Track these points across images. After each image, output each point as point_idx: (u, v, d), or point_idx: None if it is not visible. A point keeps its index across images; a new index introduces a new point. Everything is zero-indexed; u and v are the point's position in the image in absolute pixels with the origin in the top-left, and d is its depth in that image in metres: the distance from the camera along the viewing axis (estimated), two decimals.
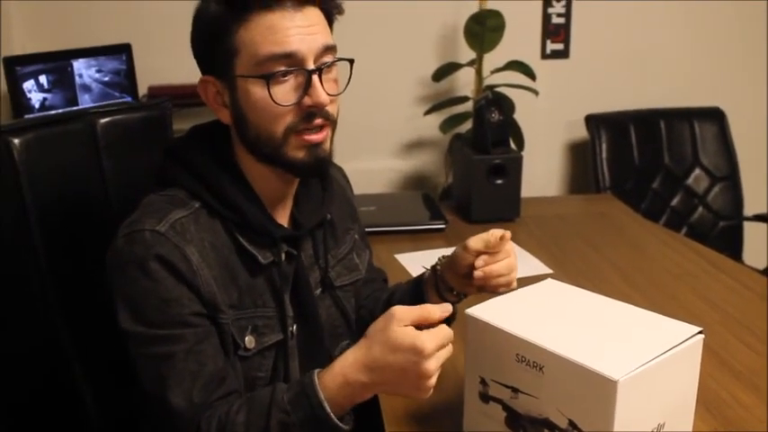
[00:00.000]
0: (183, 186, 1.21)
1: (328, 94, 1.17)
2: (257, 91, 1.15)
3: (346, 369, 1.08)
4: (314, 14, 1.17)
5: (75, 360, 1.37)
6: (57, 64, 2.63)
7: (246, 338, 1.22)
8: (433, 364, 1.04)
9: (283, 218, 1.31)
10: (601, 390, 0.98)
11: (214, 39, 1.16)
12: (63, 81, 2.64)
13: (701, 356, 1.11)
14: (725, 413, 1.34)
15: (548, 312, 1.18)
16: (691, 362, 1.10)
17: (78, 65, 2.67)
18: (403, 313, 1.06)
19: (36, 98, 2.59)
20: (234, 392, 1.17)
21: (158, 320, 1.13)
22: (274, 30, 1.13)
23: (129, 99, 2.77)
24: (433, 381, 1.06)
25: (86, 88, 2.70)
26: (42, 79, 2.60)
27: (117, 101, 2.74)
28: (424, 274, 1.47)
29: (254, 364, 1.24)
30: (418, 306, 1.08)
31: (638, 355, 1.02)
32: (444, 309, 1.08)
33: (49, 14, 2.83)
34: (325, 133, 1.20)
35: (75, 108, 2.61)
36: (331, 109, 1.20)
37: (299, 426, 1.07)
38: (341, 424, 1.08)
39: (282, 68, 1.14)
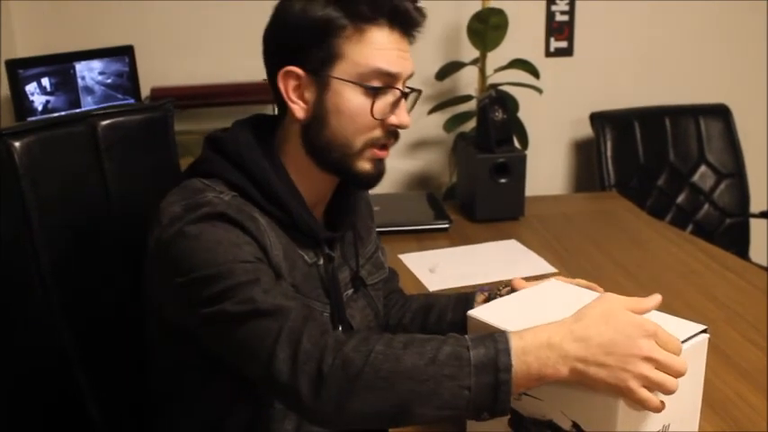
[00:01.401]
0: (226, 180, 1.19)
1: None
2: (354, 98, 1.18)
3: (551, 330, 0.98)
4: (408, 42, 1.23)
5: (77, 362, 1.36)
6: (59, 66, 2.63)
7: None
8: (649, 347, 0.95)
9: (319, 219, 1.32)
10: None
11: (319, 36, 1.17)
12: (66, 83, 2.64)
13: (706, 355, 1.10)
14: (731, 413, 1.33)
15: (550, 313, 1.17)
16: (696, 361, 1.09)
17: (81, 67, 2.67)
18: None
19: (39, 101, 2.59)
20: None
21: (233, 257, 1.07)
22: (385, 46, 1.18)
23: (131, 101, 2.76)
24: (646, 370, 0.95)
25: (89, 90, 2.70)
26: (45, 82, 2.60)
27: (118, 103, 2.73)
28: (474, 293, 1.44)
29: None
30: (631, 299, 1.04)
31: None
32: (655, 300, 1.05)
33: (51, 17, 2.83)
34: (389, 152, 1.25)
35: (76, 110, 2.61)
36: None
37: (471, 363, 0.96)
38: (510, 391, 0.96)
39: (380, 84, 1.18)
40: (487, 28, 2.82)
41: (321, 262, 1.26)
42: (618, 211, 2.54)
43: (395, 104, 1.20)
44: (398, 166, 3.16)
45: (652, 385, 0.96)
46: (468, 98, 2.97)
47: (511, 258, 2.10)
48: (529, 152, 2.59)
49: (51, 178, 1.34)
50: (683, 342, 1.03)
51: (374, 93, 1.17)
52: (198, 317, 1.08)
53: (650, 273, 1.97)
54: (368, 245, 1.43)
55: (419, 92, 1.27)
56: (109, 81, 2.74)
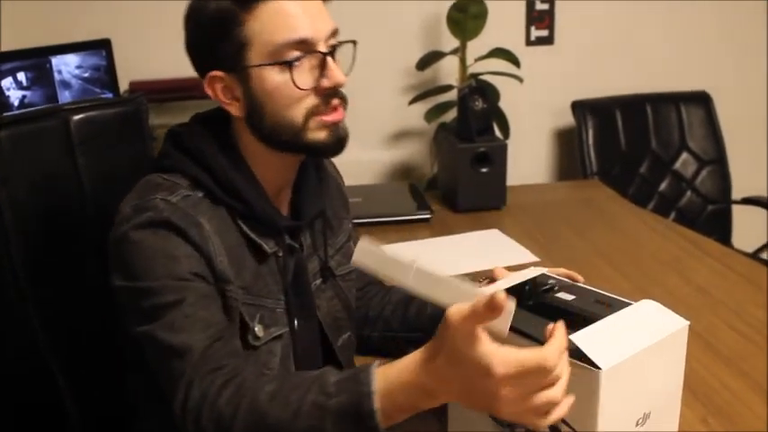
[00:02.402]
0: (185, 175, 1.19)
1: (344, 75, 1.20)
2: (275, 78, 1.16)
3: (412, 369, 0.92)
4: None
5: (52, 357, 1.35)
6: (35, 61, 2.59)
7: (256, 327, 1.21)
8: (498, 384, 0.85)
9: (284, 208, 1.31)
10: (584, 380, 0.96)
11: (220, 34, 1.15)
12: (42, 78, 2.61)
13: (686, 343, 1.10)
14: (713, 399, 1.33)
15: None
16: (676, 349, 1.09)
17: (57, 61, 2.63)
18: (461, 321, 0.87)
19: (15, 96, 2.55)
20: (240, 357, 1.11)
21: (166, 273, 1.10)
22: (285, 16, 1.14)
23: (109, 95, 2.73)
24: (509, 411, 0.87)
25: (66, 85, 2.67)
26: (21, 76, 2.56)
27: (91, 97, 2.70)
28: None
29: (262, 357, 1.22)
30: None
31: (622, 345, 1.00)
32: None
33: (26, 10, 2.79)
34: (342, 112, 1.22)
35: (48, 105, 2.58)
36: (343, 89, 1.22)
37: (333, 413, 0.93)
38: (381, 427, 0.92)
39: (297, 54, 1.15)
40: (467, 17, 2.81)
41: (281, 253, 1.25)
42: (600, 199, 2.54)
43: (322, 67, 1.18)
44: (380, 157, 3.14)
45: (539, 410, 0.88)
46: (448, 88, 2.96)
47: (493, 248, 2.09)
48: (510, 141, 2.59)
49: (23, 174, 1.32)
50: (663, 333, 1.03)
51: (289, 66, 1.15)
52: (135, 329, 1.11)
53: (633, 260, 1.97)
54: (339, 235, 1.42)
55: (353, 42, 1.25)
56: (86, 75, 2.71)
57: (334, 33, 1.20)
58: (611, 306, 1.11)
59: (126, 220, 1.13)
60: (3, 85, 2.52)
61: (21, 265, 1.29)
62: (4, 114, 2.45)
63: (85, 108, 1.43)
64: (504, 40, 2.95)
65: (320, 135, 1.20)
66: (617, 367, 0.97)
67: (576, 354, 0.97)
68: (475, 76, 2.87)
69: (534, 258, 1.98)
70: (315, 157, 1.30)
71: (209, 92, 1.20)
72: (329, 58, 1.18)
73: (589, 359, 0.96)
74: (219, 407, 0.99)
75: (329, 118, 1.20)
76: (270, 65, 1.15)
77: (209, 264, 1.13)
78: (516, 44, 3.06)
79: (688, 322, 1.08)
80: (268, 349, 1.23)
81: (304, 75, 1.16)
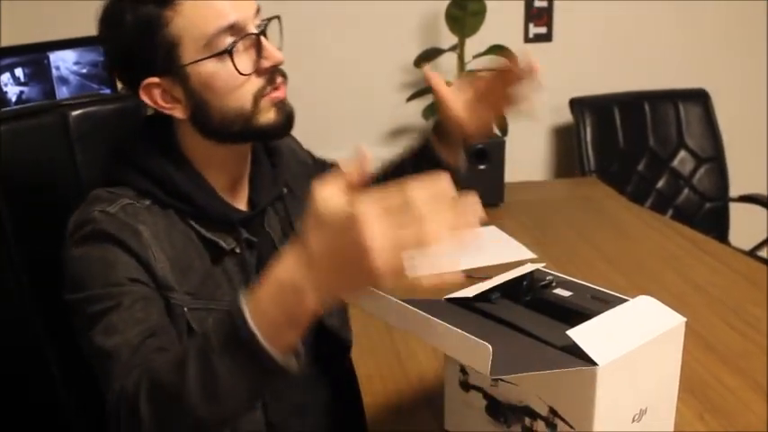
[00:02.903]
0: (131, 186, 1.18)
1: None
2: (215, 69, 1.13)
3: (277, 273, 0.87)
4: None
5: (52, 357, 1.35)
6: (33, 56, 2.59)
7: None
8: (371, 233, 0.77)
9: (241, 203, 1.30)
10: (581, 376, 0.97)
11: (147, 40, 1.12)
12: (40, 74, 2.61)
13: (683, 340, 1.10)
14: (709, 396, 1.33)
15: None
16: (673, 346, 1.09)
17: (55, 57, 2.63)
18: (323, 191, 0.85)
19: (12, 91, 2.55)
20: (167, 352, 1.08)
21: (103, 281, 1.09)
22: (209, 5, 1.12)
23: (107, 91, 2.73)
24: (383, 258, 0.78)
25: (64, 81, 2.66)
26: (18, 72, 2.56)
27: (94, 92, 2.70)
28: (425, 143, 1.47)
29: None
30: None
31: (619, 341, 1.00)
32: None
33: (24, 6, 2.79)
34: (284, 89, 1.20)
35: (47, 101, 2.57)
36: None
37: (218, 351, 0.88)
38: (268, 347, 0.86)
39: (231, 39, 1.13)
40: (466, 14, 2.81)
41: (239, 250, 1.24)
42: (598, 196, 2.54)
43: (258, 48, 1.16)
44: (377, 154, 3.11)
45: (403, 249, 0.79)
46: (447, 85, 2.95)
47: (491, 245, 2.09)
48: (508, 138, 2.59)
49: (23, 168, 1.33)
50: (659, 329, 1.03)
51: (229, 53, 1.12)
52: (78, 338, 1.11)
53: (630, 258, 1.97)
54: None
55: (277, 18, 1.22)
56: (84, 71, 2.71)
57: (258, 12, 1.18)
58: (608, 302, 1.12)
59: (69, 236, 1.14)
60: (1, 80, 2.52)
61: (18, 260, 1.30)
62: (3, 110, 2.45)
63: (85, 104, 1.42)
64: (502, 37, 2.95)
65: (270, 115, 1.18)
66: (614, 363, 0.97)
67: (572, 350, 0.97)
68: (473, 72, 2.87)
69: (531, 255, 1.98)
70: (267, 140, 1.28)
71: (145, 100, 1.17)
72: (262, 38, 1.16)
73: (586, 355, 0.96)
74: (128, 392, 0.96)
75: (275, 94, 1.18)
76: (207, 58, 1.13)
77: (149, 270, 1.12)
78: (515, 41, 3.06)
79: (685, 319, 1.08)
80: None
81: (242, 59, 1.14)
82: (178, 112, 1.18)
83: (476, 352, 0.84)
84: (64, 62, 2.65)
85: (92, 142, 1.41)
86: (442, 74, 3.06)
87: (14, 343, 1.36)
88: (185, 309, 1.15)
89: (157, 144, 1.21)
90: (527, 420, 1.06)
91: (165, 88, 1.16)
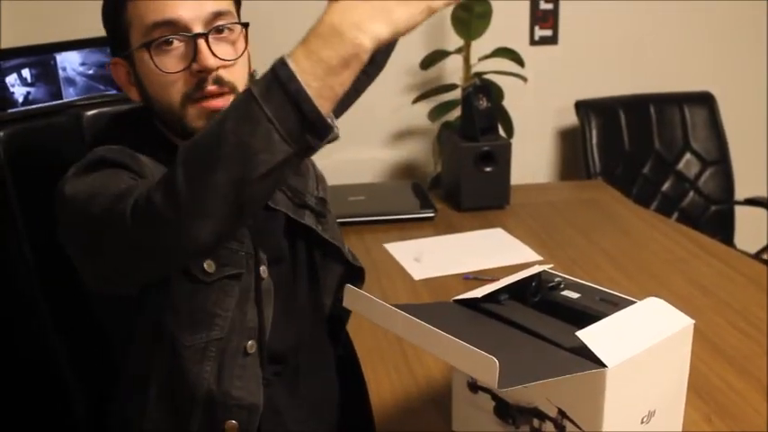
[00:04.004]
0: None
1: (221, 59, 1.14)
2: (147, 61, 1.14)
3: (324, 17, 0.91)
4: None
5: (63, 354, 1.35)
6: (39, 57, 2.59)
7: (206, 262, 1.16)
8: None
9: None
10: (590, 378, 0.97)
11: (113, 18, 1.17)
12: (46, 75, 2.61)
13: (691, 343, 1.10)
14: (718, 399, 1.33)
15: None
16: (681, 348, 1.09)
17: (62, 58, 2.64)
18: None
19: (19, 92, 2.55)
20: None
21: (103, 181, 1.07)
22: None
23: (114, 92, 2.73)
24: None
25: (71, 82, 2.67)
26: (25, 73, 2.56)
27: (102, 93, 2.71)
28: None
29: (213, 296, 1.18)
30: None
31: (628, 342, 1.00)
32: None
33: (30, 7, 2.80)
34: (226, 100, 1.14)
35: (60, 101, 2.58)
36: (227, 74, 1.15)
37: (257, 93, 0.88)
38: (310, 93, 0.87)
39: (166, 35, 1.12)
40: (472, 16, 2.81)
41: None
42: (603, 199, 2.54)
43: (194, 51, 1.12)
44: (383, 155, 3.15)
45: None
46: (452, 87, 2.96)
47: (496, 247, 2.10)
48: (514, 141, 2.59)
49: (35, 169, 1.33)
50: (668, 331, 1.03)
51: (148, 48, 1.12)
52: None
53: (636, 261, 1.97)
54: (308, 180, 1.41)
55: (243, 25, 1.19)
56: (91, 72, 2.71)
57: (220, 16, 1.15)
58: (617, 304, 1.12)
59: (69, 172, 1.13)
60: (7, 81, 2.52)
61: (31, 261, 1.30)
62: (15, 110, 2.46)
63: (98, 104, 1.44)
64: (508, 39, 2.95)
65: (199, 123, 1.14)
66: (623, 365, 0.97)
67: (581, 351, 0.97)
68: (479, 75, 2.87)
69: (537, 257, 1.98)
70: None
71: (114, 78, 1.22)
72: (201, 41, 1.12)
73: (595, 357, 0.96)
74: (162, 176, 0.96)
75: (208, 104, 1.14)
76: (138, 48, 1.14)
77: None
78: (520, 43, 3.06)
79: (693, 321, 1.08)
80: (221, 287, 1.19)
81: (173, 58, 1.13)
82: (133, 94, 1.22)
83: (483, 365, 0.84)
84: (70, 63, 2.66)
85: (105, 143, 1.41)
86: (447, 76, 3.07)
87: (28, 350, 1.37)
88: None
89: (139, 131, 1.23)
90: (535, 422, 1.06)
91: (127, 70, 1.20)
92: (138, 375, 1.23)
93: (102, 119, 1.42)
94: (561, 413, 1.02)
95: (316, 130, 0.89)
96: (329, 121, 0.90)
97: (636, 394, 1.02)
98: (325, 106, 0.89)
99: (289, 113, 0.87)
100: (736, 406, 1.32)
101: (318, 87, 0.88)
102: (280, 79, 0.87)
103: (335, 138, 0.93)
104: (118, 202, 1.00)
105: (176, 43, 1.13)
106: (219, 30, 1.15)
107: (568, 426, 1.02)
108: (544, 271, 1.24)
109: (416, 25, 0.91)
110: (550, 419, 1.04)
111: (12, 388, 1.43)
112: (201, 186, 0.91)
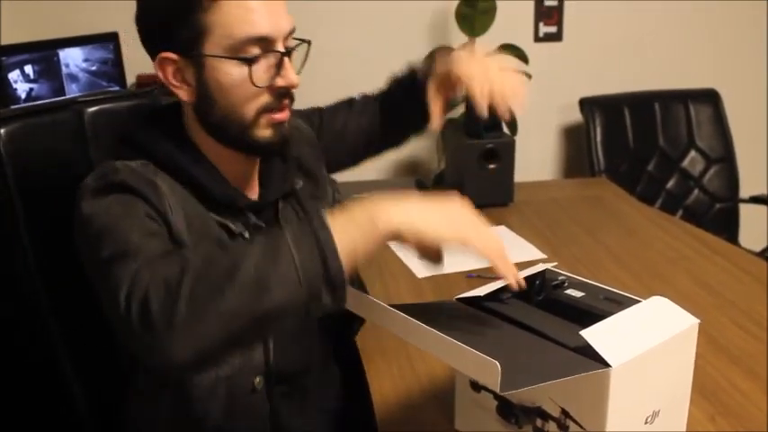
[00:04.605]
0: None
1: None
2: (232, 72, 1.14)
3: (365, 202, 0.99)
4: None
5: (65, 354, 1.35)
6: (43, 53, 2.60)
7: None
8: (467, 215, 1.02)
9: (253, 192, 1.31)
10: (594, 377, 0.96)
11: (180, 15, 1.12)
12: (49, 71, 2.61)
13: (696, 342, 1.09)
14: (722, 399, 1.32)
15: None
16: (686, 347, 1.08)
17: (65, 54, 2.64)
18: None
19: (22, 88, 2.55)
20: None
21: (129, 229, 1.05)
22: (248, 10, 1.12)
23: (117, 88, 2.73)
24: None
25: (73, 78, 2.67)
26: (28, 69, 2.56)
27: (105, 89, 2.70)
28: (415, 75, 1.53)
29: None
30: None
31: (632, 342, 0.99)
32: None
33: (34, 3, 2.79)
34: (288, 112, 1.21)
35: (62, 98, 2.58)
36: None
37: (290, 240, 0.92)
38: (339, 248, 0.92)
39: (257, 51, 1.13)
40: (476, 12, 2.80)
41: (247, 234, 1.23)
42: (607, 196, 2.53)
43: (278, 66, 1.16)
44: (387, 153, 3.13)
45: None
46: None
47: None
48: (518, 138, 2.57)
49: (37, 165, 1.33)
50: (672, 331, 1.02)
51: (249, 62, 1.13)
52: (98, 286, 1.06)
53: (640, 258, 1.96)
54: (326, 186, 1.43)
55: (307, 42, 1.23)
56: (94, 68, 2.71)
57: (292, 32, 1.19)
58: (621, 303, 1.11)
59: (85, 189, 1.12)
60: (10, 77, 2.52)
61: (33, 258, 1.29)
62: (18, 106, 2.46)
63: (100, 101, 1.43)
64: (512, 36, 2.94)
65: (266, 132, 1.19)
66: (627, 365, 0.96)
67: (585, 351, 0.97)
68: None
69: (541, 255, 1.97)
70: (256, 154, 1.27)
71: (158, 73, 1.17)
72: (286, 59, 1.17)
73: (599, 356, 0.95)
74: (163, 271, 0.93)
75: (278, 116, 1.19)
76: (228, 58, 1.13)
77: (166, 222, 1.11)
78: (525, 40, 3.05)
79: (698, 320, 1.07)
80: None
81: (260, 72, 1.15)
82: (183, 94, 1.18)
83: (485, 368, 0.83)
84: (73, 59, 2.66)
85: (107, 139, 1.41)
86: None
87: (29, 346, 1.36)
88: None
89: (168, 132, 1.22)
90: (538, 422, 1.05)
91: (179, 67, 1.16)
92: (148, 397, 1.24)
93: (105, 117, 1.42)
94: (564, 413, 1.01)
95: (332, 286, 0.92)
96: (346, 283, 0.93)
97: (640, 394, 1.01)
98: (348, 267, 0.93)
99: (315, 263, 0.91)
100: (741, 406, 1.31)
101: (348, 251, 0.93)
102: (316, 233, 0.92)
103: (341, 304, 0.95)
104: (121, 263, 0.98)
105: (262, 58, 1.14)
106: (295, 48, 1.20)
107: (572, 426, 1.01)
108: (548, 269, 1.23)
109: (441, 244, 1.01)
110: (554, 419, 1.03)
111: (14, 392, 1.42)
112: (204, 309, 0.90)
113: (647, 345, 1.00)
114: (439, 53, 1.50)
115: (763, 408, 1.30)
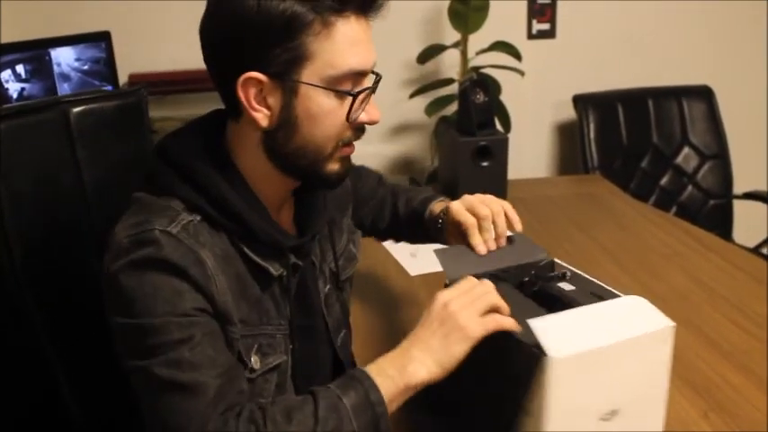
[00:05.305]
0: (180, 198, 1.09)
1: None
2: (327, 103, 1.07)
3: (402, 352, 1.07)
4: (370, 27, 1.12)
5: (54, 358, 1.33)
6: (34, 53, 2.58)
7: (252, 358, 1.13)
8: (455, 304, 1.06)
9: (287, 223, 1.23)
10: (539, 368, 0.97)
11: (283, 36, 1.03)
12: (41, 70, 2.60)
13: (672, 345, 1.05)
14: (715, 395, 1.33)
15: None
16: (658, 350, 1.05)
17: (56, 54, 2.62)
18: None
19: (13, 88, 2.54)
20: (246, 395, 1.08)
21: (169, 310, 1.02)
22: (357, 42, 1.07)
23: (109, 88, 2.72)
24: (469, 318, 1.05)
25: (65, 77, 2.66)
26: (20, 69, 2.55)
27: (90, 89, 2.69)
28: (423, 215, 1.51)
29: (257, 388, 1.15)
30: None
31: (587, 336, 0.99)
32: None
33: (25, 2, 2.78)
34: (353, 147, 1.17)
35: (48, 97, 2.57)
36: None
37: (350, 410, 1.02)
38: (388, 418, 1.04)
39: (350, 84, 1.08)
40: (469, 10, 2.79)
41: (286, 274, 1.18)
42: (601, 193, 2.53)
43: (364, 101, 1.11)
44: (380, 150, 3.13)
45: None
46: (449, 81, 2.95)
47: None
48: (511, 135, 2.58)
49: (23, 165, 1.31)
50: (638, 332, 1.02)
51: (353, 97, 1.07)
52: (128, 363, 1.05)
53: (634, 255, 1.97)
54: (342, 233, 1.37)
55: (379, 77, 1.15)
56: (85, 68, 2.70)
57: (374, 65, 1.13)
58: (602, 299, 1.10)
59: (124, 253, 1.04)
60: (2, 77, 2.51)
61: (20, 258, 1.28)
62: (4, 106, 2.45)
63: (86, 100, 1.41)
64: (505, 33, 2.94)
65: (336, 166, 1.14)
66: (573, 358, 0.96)
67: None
68: (476, 69, 2.86)
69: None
70: (320, 187, 1.23)
71: (240, 93, 1.06)
72: (372, 94, 1.13)
73: (541, 347, 0.96)
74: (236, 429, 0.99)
75: (349, 150, 1.15)
76: (325, 89, 1.06)
77: (212, 302, 1.06)
78: (518, 37, 3.05)
79: (673, 324, 1.03)
80: (263, 380, 1.16)
81: (355, 107, 1.09)
82: (263, 120, 1.08)
83: None
84: (65, 59, 2.65)
85: (93, 139, 1.40)
86: (445, 70, 3.06)
87: (16, 356, 1.35)
88: (238, 336, 1.11)
89: (208, 152, 1.13)
90: None
91: (264, 89, 1.06)
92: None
93: (91, 117, 1.40)
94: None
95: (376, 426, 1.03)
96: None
97: (593, 390, 1.00)
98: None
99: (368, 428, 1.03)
100: (734, 402, 1.31)
101: (390, 412, 1.05)
102: (374, 408, 1.03)
103: None
104: (180, 392, 1.02)
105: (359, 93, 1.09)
106: (377, 81, 1.16)
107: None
108: (556, 262, 1.23)
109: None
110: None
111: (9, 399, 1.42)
112: None
113: (603, 341, 0.99)
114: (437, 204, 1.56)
115: (756, 403, 1.30)
